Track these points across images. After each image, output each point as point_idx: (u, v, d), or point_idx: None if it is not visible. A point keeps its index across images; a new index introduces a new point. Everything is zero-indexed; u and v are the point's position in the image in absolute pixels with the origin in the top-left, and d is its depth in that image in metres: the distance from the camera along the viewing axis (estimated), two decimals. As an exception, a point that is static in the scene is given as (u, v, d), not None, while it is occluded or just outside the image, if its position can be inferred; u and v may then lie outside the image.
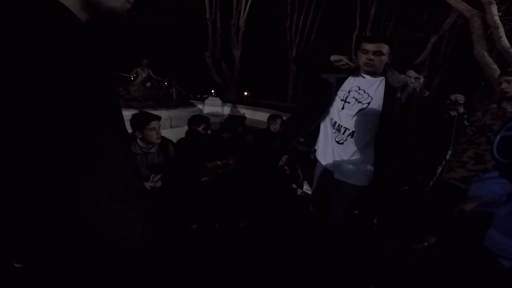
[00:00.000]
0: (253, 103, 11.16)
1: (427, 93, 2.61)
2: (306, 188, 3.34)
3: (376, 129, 1.61)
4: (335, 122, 1.71)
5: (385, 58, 1.58)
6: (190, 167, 2.25)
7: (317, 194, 1.97)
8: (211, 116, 7.74)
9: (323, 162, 1.82)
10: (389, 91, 1.59)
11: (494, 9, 4.27)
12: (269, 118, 3.33)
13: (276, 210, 2.78)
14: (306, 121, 1.84)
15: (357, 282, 1.94)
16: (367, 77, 1.65)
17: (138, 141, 2.13)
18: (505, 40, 4.24)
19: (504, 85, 1.88)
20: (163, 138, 2.25)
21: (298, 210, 2.87)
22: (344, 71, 1.65)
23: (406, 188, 3.07)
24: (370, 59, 1.57)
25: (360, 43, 1.64)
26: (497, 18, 4.28)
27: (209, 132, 2.42)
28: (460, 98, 3.45)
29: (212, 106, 8.58)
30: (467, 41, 4.92)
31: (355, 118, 1.65)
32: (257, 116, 7.94)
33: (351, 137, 1.67)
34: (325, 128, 1.80)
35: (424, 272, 2.06)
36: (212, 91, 12.98)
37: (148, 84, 5.57)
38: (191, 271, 1.88)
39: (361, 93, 1.64)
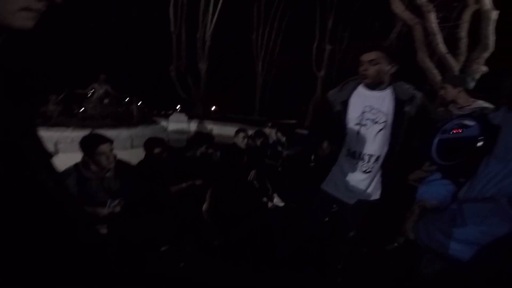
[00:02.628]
0: (221, 117, 11.06)
1: None
2: (277, 200, 3.34)
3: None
4: (354, 151, 1.53)
5: (382, 67, 1.44)
6: (152, 194, 2.08)
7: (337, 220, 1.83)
8: (176, 133, 7.53)
9: (340, 193, 1.62)
10: (397, 105, 1.46)
11: (433, 16, 4.73)
12: (234, 133, 3.34)
13: (248, 225, 2.72)
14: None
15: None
16: (374, 92, 1.50)
17: (91, 165, 1.96)
18: (442, 46, 4.69)
19: (442, 91, 2.04)
20: (120, 161, 2.13)
21: (270, 223, 2.84)
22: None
23: None
24: (364, 69, 1.45)
25: None
26: (435, 25, 4.75)
27: (164, 155, 2.29)
28: None
29: (178, 123, 8.20)
30: (412, 48, 5.30)
31: (376, 141, 1.49)
32: (225, 131, 7.82)
33: (377, 162, 1.52)
34: (343, 162, 1.58)
35: (400, 272, 2.10)
36: (178, 106, 12.61)
37: (106, 101, 5.25)
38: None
39: (374, 112, 1.49)
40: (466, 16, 4.88)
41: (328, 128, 1.61)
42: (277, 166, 3.85)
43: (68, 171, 1.93)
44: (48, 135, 4.40)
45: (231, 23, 13.06)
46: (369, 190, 1.58)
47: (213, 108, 16.49)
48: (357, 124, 1.50)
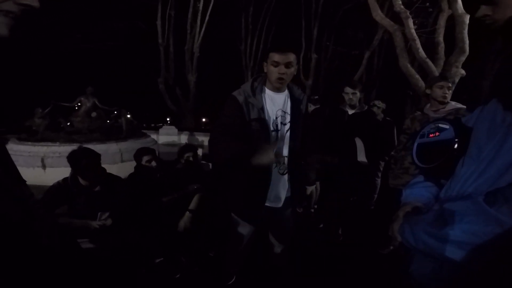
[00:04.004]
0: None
1: (365, 107, 2.61)
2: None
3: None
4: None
5: (294, 70, 1.40)
6: (143, 206, 2.06)
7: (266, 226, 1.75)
8: (167, 146, 7.45)
9: (269, 201, 1.56)
10: (295, 104, 1.50)
11: (411, 22, 4.89)
12: None
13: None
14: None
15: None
16: (279, 94, 1.48)
17: (80, 179, 1.99)
18: (422, 51, 4.81)
19: (446, 91, 2.02)
20: (109, 174, 2.15)
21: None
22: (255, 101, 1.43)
23: (355, 198, 3.16)
24: (283, 74, 1.36)
25: (267, 52, 1.41)
26: (413, 31, 4.89)
27: (153, 164, 2.29)
28: (378, 102, 3.44)
29: (168, 135, 8.10)
30: (394, 54, 5.41)
31: (286, 142, 1.50)
32: (216, 142, 7.77)
33: (289, 161, 1.54)
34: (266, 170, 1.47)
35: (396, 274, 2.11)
36: (168, 119, 12.45)
37: (94, 114, 5.16)
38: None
39: (282, 114, 1.48)
40: (442, 21, 5.04)
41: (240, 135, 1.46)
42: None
43: (56, 186, 1.95)
44: (35, 150, 4.33)
45: (220, 34, 13.15)
46: (289, 188, 1.59)
47: (204, 120, 16.38)
48: (274, 130, 1.46)
